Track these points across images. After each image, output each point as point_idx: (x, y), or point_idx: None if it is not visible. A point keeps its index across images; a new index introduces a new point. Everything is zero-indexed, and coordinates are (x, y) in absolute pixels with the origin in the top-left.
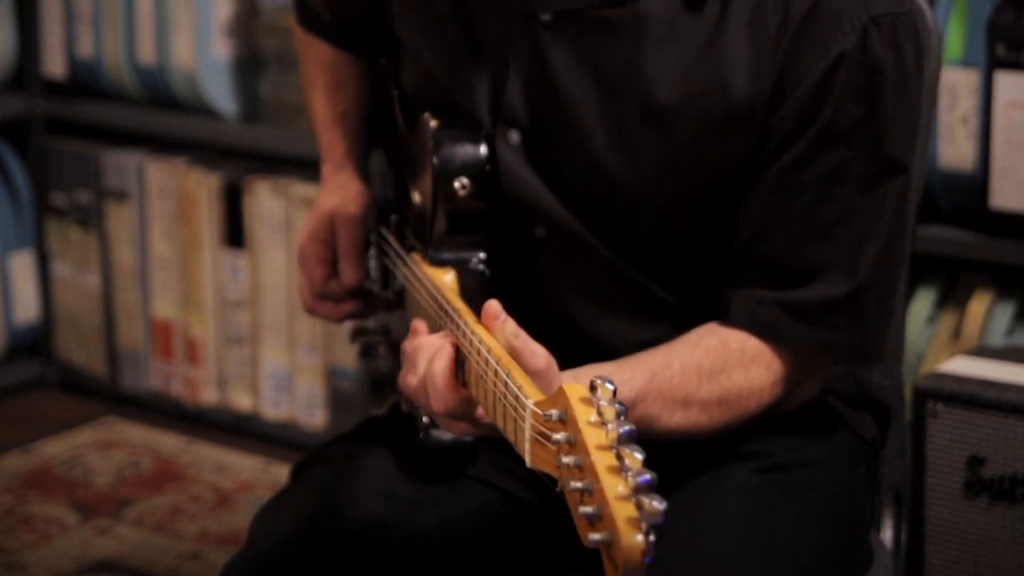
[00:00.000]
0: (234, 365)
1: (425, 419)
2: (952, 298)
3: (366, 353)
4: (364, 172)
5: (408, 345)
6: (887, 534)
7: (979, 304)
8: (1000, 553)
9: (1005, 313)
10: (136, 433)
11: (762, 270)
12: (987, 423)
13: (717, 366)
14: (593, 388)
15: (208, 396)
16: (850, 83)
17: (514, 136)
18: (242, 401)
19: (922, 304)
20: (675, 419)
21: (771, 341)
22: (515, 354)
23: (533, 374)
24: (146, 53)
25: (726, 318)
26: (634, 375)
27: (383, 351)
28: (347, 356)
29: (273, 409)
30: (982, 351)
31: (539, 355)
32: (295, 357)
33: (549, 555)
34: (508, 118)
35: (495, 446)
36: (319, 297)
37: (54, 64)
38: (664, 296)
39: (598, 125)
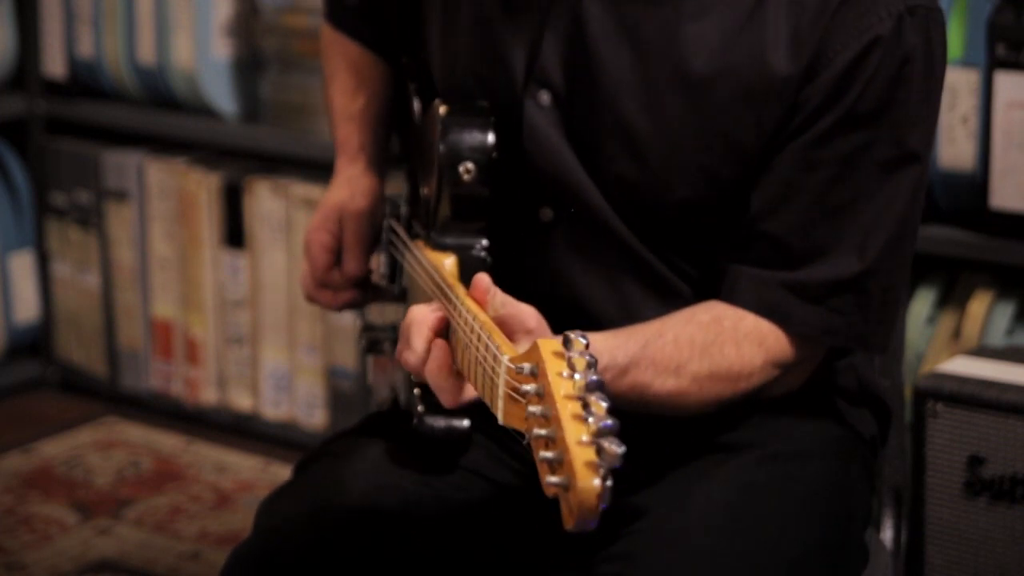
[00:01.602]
0: (234, 365)
1: (420, 407)
2: (952, 298)
3: (372, 348)
4: (378, 168)
5: (403, 322)
6: (887, 534)
7: (979, 304)
8: (1000, 553)
9: (1005, 313)
10: (136, 433)
11: (769, 248)
12: (987, 423)
13: (709, 340)
14: (567, 342)
15: (208, 396)
16: (881, 67)
17: (545, 97)
18: (242, 401)
19: (922, 304)
20: (667, 386)
21: (776, 322)
22: (506, 321)
23: (527, 334)
24: (146, 53)
25: (730, 298)
26: (628, 341)
27: (388, 347)
28: (347, 356)
29: (273, 409)
30: (982, 351)
31: (529, 316)
32: (295, 357)
33: (547, 548)
34: (541, 78)
35: (495, 438)
36: (320, 285)
37: (54, 64)
38: (676, 278)
39: (631, 91)
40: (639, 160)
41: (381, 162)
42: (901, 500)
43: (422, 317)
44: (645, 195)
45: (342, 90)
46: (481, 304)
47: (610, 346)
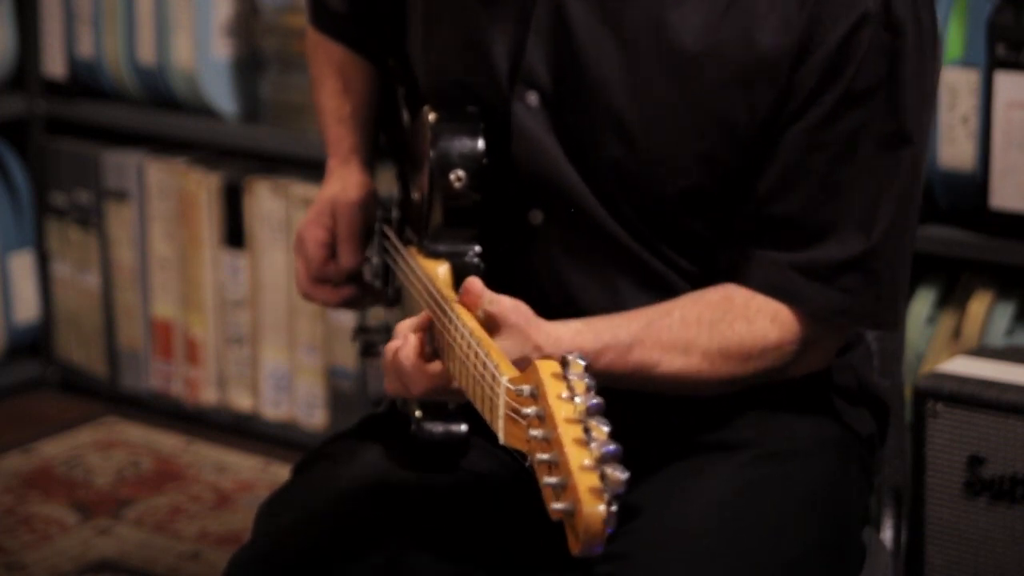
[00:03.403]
0: (234, 365)
1: (418, 413)
2: (952, 298)
3: (366, 351)
4: (369, 168)
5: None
6: (887, 534)
7: (979, 304)
8: (1000, 553)
9: (1005, 313)
10: (136, 433)
11: (776, 230)
12: (987, 423)
13: (718, 317)
14: (565, 363)
15: (208, 396)
16: (873, 43)
17: (532, 98)
18: (242, 401)
19: (922, 304)
20: (676, 364)
21: (785, 302)
22: (494, 319)
23: (507, 329)
24: (146, 53)
25: (739, 279)
26: (630, 321)
27: (383, 349)
28: (347, 356)
29: (273, 409)
30: (982, 351)
31: (508, 310)
32: (295, 357)
33: (549, 550)
34: (527, 79)
35: (493, 440)
36: (316, 280)
37: (54, 64)
38: (672, 274)
39: (619, 81)
40: (634, 150)
41: (372, 163)
42: (901, 500)
43: (392, 347)
44: (642, 187)
45: (331, 93)
46: (473, 309)
47: (613, 324)
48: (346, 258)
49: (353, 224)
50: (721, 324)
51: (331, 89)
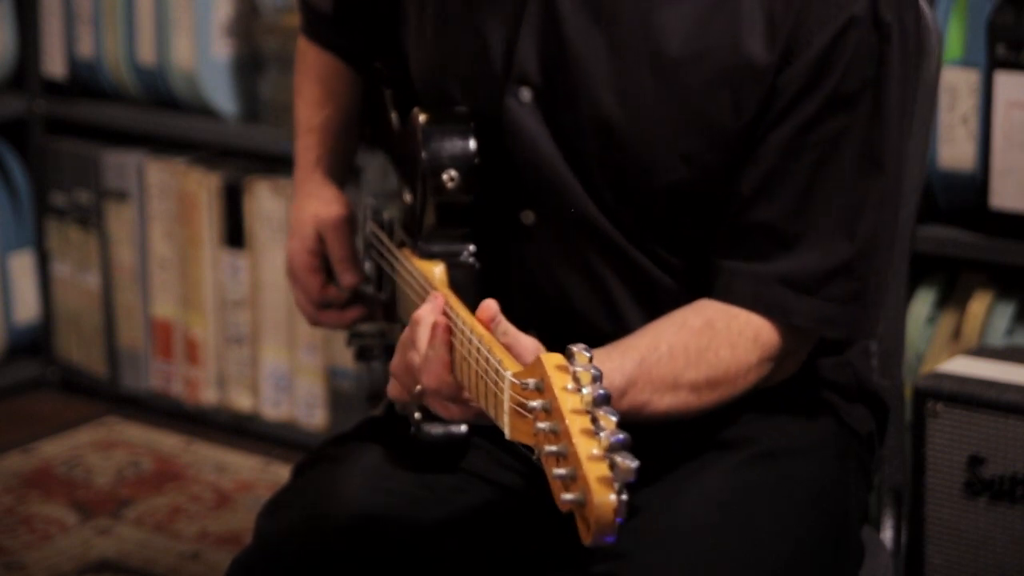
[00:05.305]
0: (234, 365)
1: (417, 414)
2: (952, 298)
3: (362, 355)
4: (337, 179)
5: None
6: (887, 534)
7: (979, 304)
8: (1000, 553)
9: (1005, 313)
10: (136, 433)
11: (759, 236)
12: (987, 423)
13: (703, 345)
14: (570, 356)
15: (208, 396)
16: (860, 47)
17: (525, 94)
18: (242, 401)
19: (922, 304)
20: (665, 402)
21: (778, 319)
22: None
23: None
24: (146, 53)
25: (726, 297)
26: (623, 361)
27: (379, 353)
28: (347, 356)
29: (273, 409)
30: (982, 351)
31: (526, 350)
32: (295, 357)
33: (548, 550)
34: (520, 75)
35: (494, 440)
36: (320, 307)
37: (54, 64)
38: (661, 272)
39: (605, 79)
40: (619, 148)
41: (340, 174)
42: (901, 500)
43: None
44: (629, 184)
45: (307, 102)
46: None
47: (607, 369)
48: (345, 278)
49: (344, 242)
50: (707, 354)
51: (307, 98)
